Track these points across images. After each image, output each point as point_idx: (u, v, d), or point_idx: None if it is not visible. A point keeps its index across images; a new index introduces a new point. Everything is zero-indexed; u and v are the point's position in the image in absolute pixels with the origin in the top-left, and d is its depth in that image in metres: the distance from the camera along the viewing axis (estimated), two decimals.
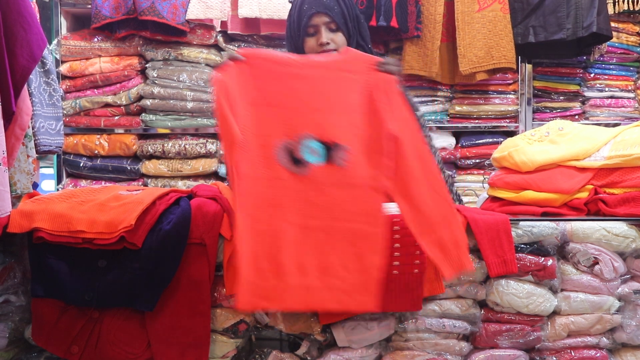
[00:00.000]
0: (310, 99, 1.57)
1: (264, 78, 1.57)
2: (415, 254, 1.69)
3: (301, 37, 2.09)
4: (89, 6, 3.27)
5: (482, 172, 3.44)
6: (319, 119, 1.56)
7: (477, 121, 3.48)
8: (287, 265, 1.46)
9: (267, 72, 1.57)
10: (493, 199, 2.04)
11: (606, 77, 3.49)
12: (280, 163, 1.52)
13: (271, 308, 1.55)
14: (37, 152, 2.31)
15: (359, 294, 1.49)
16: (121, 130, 3.37)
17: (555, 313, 1.83)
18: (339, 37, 2.08)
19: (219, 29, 3.35)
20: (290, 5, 3.01)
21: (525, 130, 3.09)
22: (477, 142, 3.46)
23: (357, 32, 2.13)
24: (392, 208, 1.76)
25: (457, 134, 3.52)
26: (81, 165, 3.36)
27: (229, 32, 3.30)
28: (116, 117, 3.35)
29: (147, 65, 3.32)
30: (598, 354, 1.83)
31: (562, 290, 1.83)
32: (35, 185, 2.19)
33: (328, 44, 2.06)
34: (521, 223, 1.81)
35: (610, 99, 3.47)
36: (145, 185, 3.36)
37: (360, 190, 1.53)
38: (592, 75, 3.47)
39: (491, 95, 3.48)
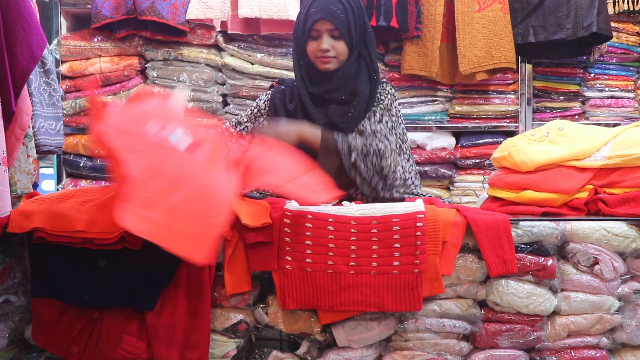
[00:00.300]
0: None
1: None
2: (416, 254, 1.70)
3: (304, 40, 2.11)
4: (89, 6, 3.28)
5: (482, 172, 3.44)
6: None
7: (477, 121, 3.48)
8: (137, 197, 1.52)
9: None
10: (493, 199, 2.04)
11: (606, 77, 3.49)
12: (151, 134, 1.65)
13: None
14: (37, 152, 2.31)
15: (195, 244, 1.53)
16: None
17: (555, 313, 1.83)
18: (341, 45, 2.10)
19: (219, 29, 3.35)
20: (295, 5, 3.04)
21: (525, 130, 3.09)
22: (477, 142, 3.46)
23: (361, 42, 2.14)
24: (390, 208, 1.77)
25: (457, 134, 3.52)
26: (81, 165, 3.36)
27: (229, 32, 3.31)
28: None
29: (147, 65, 3.32)
30: (598, 354, 1.83)
31: (562, 290, 1.83)
32: (35, 185, 2.19)
33: (328, 50, 2.08)
34: (521, 223, 1.81)
35: (610, 99, 3.47)
36: None
37: (217, 164, 1.71)
38: (592, 75, 3.48)
39: (491, 95, 3.48)
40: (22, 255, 1.78)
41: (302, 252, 1.71)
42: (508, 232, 1.75)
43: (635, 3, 3.30)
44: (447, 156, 3.44)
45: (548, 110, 3.49)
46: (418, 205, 1.78)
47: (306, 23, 2.10)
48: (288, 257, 1.71)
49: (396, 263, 1.70)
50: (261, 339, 1.84)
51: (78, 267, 1.70)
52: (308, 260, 1.70)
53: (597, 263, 1.80)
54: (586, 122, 3.44)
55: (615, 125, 3.27)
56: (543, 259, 1.79)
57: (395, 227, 1.71)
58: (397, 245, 1.71)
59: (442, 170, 3.44)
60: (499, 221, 1.77)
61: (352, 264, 1.71)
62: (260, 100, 2.34)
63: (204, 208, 1.59)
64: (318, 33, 2.09)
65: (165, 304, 1.70)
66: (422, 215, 1.73)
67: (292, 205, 1.80)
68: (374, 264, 1.71)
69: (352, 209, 1.76)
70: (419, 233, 1.71)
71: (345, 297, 1.70)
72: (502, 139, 3.23)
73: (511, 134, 3.38)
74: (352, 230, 1.72)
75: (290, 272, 1.70)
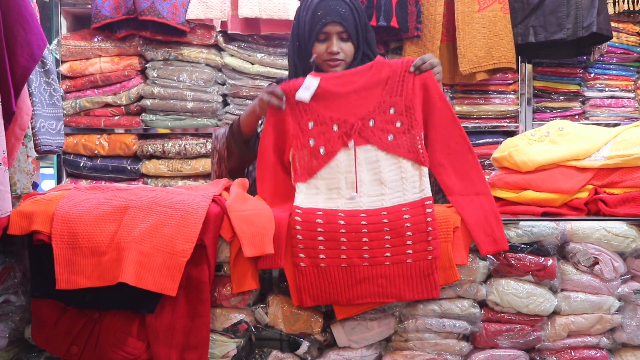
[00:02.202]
0: None
1: None
2: (428, 240, 1.70)
3: (311, 42, 2.08)
4: (89, 6, 3.28)
5: None
6: None
7: (477, 121, 3.48)
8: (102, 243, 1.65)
9: None
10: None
11: (606, 77, 3.48)
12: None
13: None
14: (37, 152, 2.31)
15: (160, 274, 1.63)
16: (121, 130, 3.37)
17: (555, 313, 1.83)
18: (349, 47, 2.08)
19: (219, 29, 3.35)
20: (295, 5, 3.00)
21: (525, 130, 3.09)
22: (477, 142, 3.46)
23: (364, 41, 2.13)
24: (398, 197, 1.76)
25: None
26: (81, 165, 3.36)
27: (229, 32, 3.31)
28: (116, 117, 3.35)
29: (147, 65, 3.32)
30: (598, 354, 1.83)
31: (562, 290, 1.83)
32: (35, 185, 2.19)
33: (338, 53, 2.06)
34: (521, 223, 1.81)
35: (610, 99, 3.47)
36: (146, 185, 3.36)
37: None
38: (592, 75, 3.47)
39: (491, 95, 3.48)
40: (22, 255, 1.78)
41: (314, 248, 1.70)
42: (495, 212, 1.75)
43: (635, 3, 3.30)
44: None
45: (548, 110, 3.48)
46: (425, 190, 1.77)
47: (314, 26, 2.06)
48: (301, 255, 1.70)
49: (409, 251, 1.70)
50: (261, 339, 1.84)
51: None
52: (321, 256, 1.70)
53: (597, 263, 1.80)
54: (586, 122, 3.43)
55: (615, 125, 3.27)
56: (543, 259, 1.79)
57: (405, 216, 1.72)
58: (408, 233, 1.71)
59: None
60: (483, 202, 1.77)
61: (366, 256, 1.71)
62: None
63: (172, 234, 1.65)
64: (327, 36, 2.07)
65: (165, 304, 1.70)
66: (431, 202, 1.73)
67: (300, 201, 1.79)
68: (388, 254, 1.70)
69: (362, 201, 1.76)
70: (429, 219, 1.71)
71: (362, 290, 1.70)
72: (502, 139, 3.23)
73: (511, 134, 3.38)
74: (363, 222, 1.72)
75: (305, 270, 1.70)
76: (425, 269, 1.70)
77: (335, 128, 1.85)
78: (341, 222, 1.72)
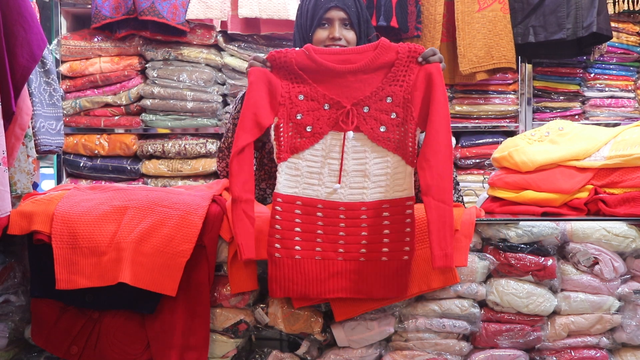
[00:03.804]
0: None
1: None
2: (405, 240, 1.68)
3: (313, 28, 2.06)
4: (89, 6, 3.27)
5: (482, 172, 3.43)
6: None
7: (477, 121, 3.48)
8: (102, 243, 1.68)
9: None
10: (493, 199, 2.04)
11: (606, 77, 3.48)
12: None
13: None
14: (37, 152, 2.31)
15: (160, 274, 1.64)
16: (121, 130, 3.37)
17: (555, 313, 1.83)
18: (350, 35, 2.06)
19: (219, 29, 3.34)
20: (295, 4, 2.98)
21: (525, 130, 3.09)
22: (477, 142, 3.46)
23: (365, 36, 2.13)
24: (379, 193, 1.72)
25: (457, 134, 3.52)
26: (81, 165, 3.36)
27: (229, 32, 3.30)
28: (116, 117, 3.35)
29: (147, 65, 3.32)
30: (598, 354, 1.83)
31: (562, 290, 1.83)
32: (35, 185, 2.19)
33: (340, 39, 2.04)
34: (521, 223, 1.81)
35: (610, 99, 3.47)
36: (146, 185, 3.36)
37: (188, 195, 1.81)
38: (592, 75, 3.47)
39: (491, 95, 3.48)
40: (22, 255, 1.78)
41: (291, 239, 1.69)
42: (452, 228, 1.65)
43: (635, 3, 3.29)
44: None
45: (548, 110, 3.48)
46: (408, 190, 1.70)
47: (316, 11, 2.05)
48: (277, 245, 1.68)
49: (385, 249, 1.69)
50: (261, 339, 1.84)
51: None
52: (297, 247, 1.69)
53: (597, 263, 1.80)
54: (586, 122, 3.43)
55: (615, 125, 3.27)
56: (543, 259, 1.79)
57: (384, 214, 1.69)
58: (386, 231, 1.69)
59: None
60: (447, 213, 1.64)
61: (341, 250, 1.70)
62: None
63: (172, 234, 1.65)
64: (329, 21, 2.05)
65: (165, 305, 1.71)
66: (412, 202, 1.70)
67: (281, 187, 1.72)
68: (363, 250, 1.69)
69: (342, 193, 1.71)
70: (408, 220, 1.69)
71: (334, 284, 1.69)
72: (502, 139, 3.23)
73: (511, 134, 3.38)
74: (341, 216, 1.71)
75: (279, 261, 1.68)
76: (399, 269, 1.69)
77: (326, 107, 1.74)
78: (319, 214, 1.70)
